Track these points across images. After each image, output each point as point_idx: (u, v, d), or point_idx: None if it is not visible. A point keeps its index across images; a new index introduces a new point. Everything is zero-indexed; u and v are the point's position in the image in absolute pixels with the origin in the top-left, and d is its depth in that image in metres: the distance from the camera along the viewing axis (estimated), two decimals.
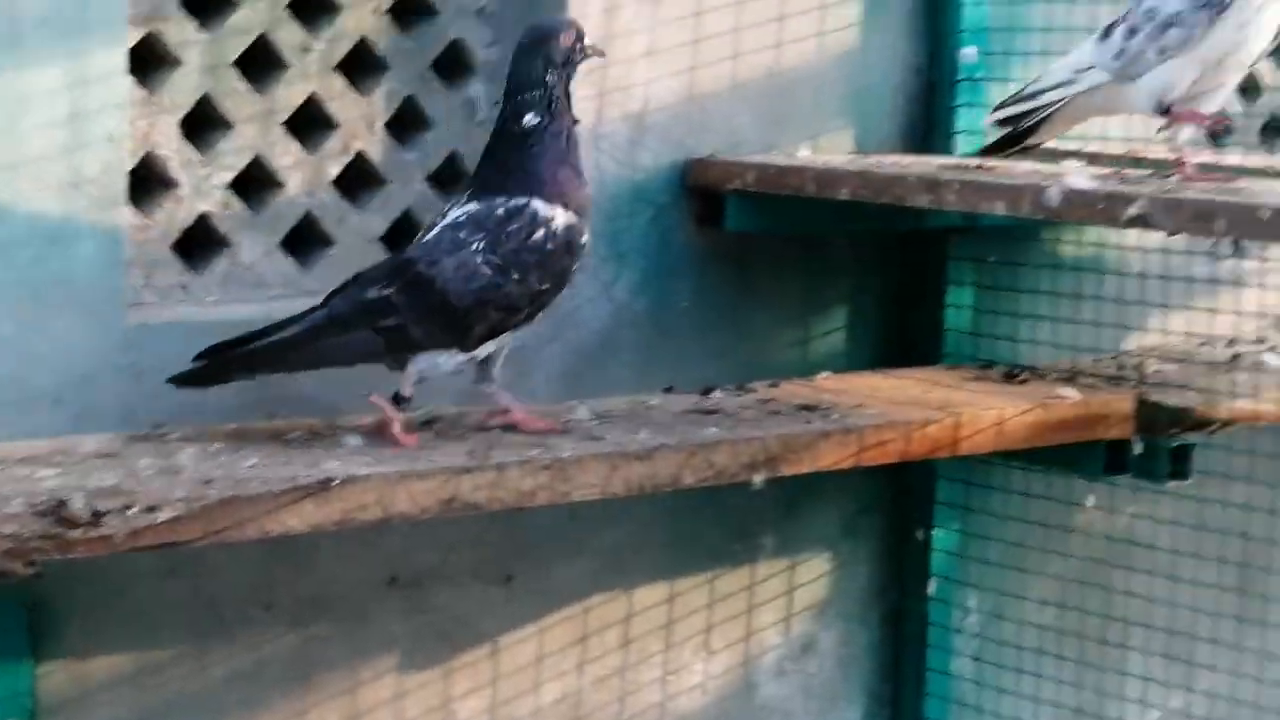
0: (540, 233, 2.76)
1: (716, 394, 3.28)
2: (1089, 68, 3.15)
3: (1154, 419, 3.39)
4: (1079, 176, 3.03)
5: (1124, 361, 3.70)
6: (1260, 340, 3.90)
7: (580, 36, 2.84)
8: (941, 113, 3.82)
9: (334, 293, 2.84)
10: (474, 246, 2.75)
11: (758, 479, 2.96)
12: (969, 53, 3.78)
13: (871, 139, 3.80)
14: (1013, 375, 3.57)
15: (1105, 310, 3.71)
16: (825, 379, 3.50)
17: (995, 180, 3.08)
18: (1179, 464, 3.44)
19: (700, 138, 3.58)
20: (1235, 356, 3.75)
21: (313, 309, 2.81)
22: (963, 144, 3.81)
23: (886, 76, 3.80)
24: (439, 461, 2.68)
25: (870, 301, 3.86)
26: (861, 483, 3.79)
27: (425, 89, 3.42)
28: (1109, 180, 3.03)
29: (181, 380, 2.77)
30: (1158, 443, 3.41)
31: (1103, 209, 2.91)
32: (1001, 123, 3.36)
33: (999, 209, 3.05)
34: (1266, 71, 4.31)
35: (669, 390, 3.31)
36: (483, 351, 2.81)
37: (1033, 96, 3.25)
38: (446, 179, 3.45)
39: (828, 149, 3.75)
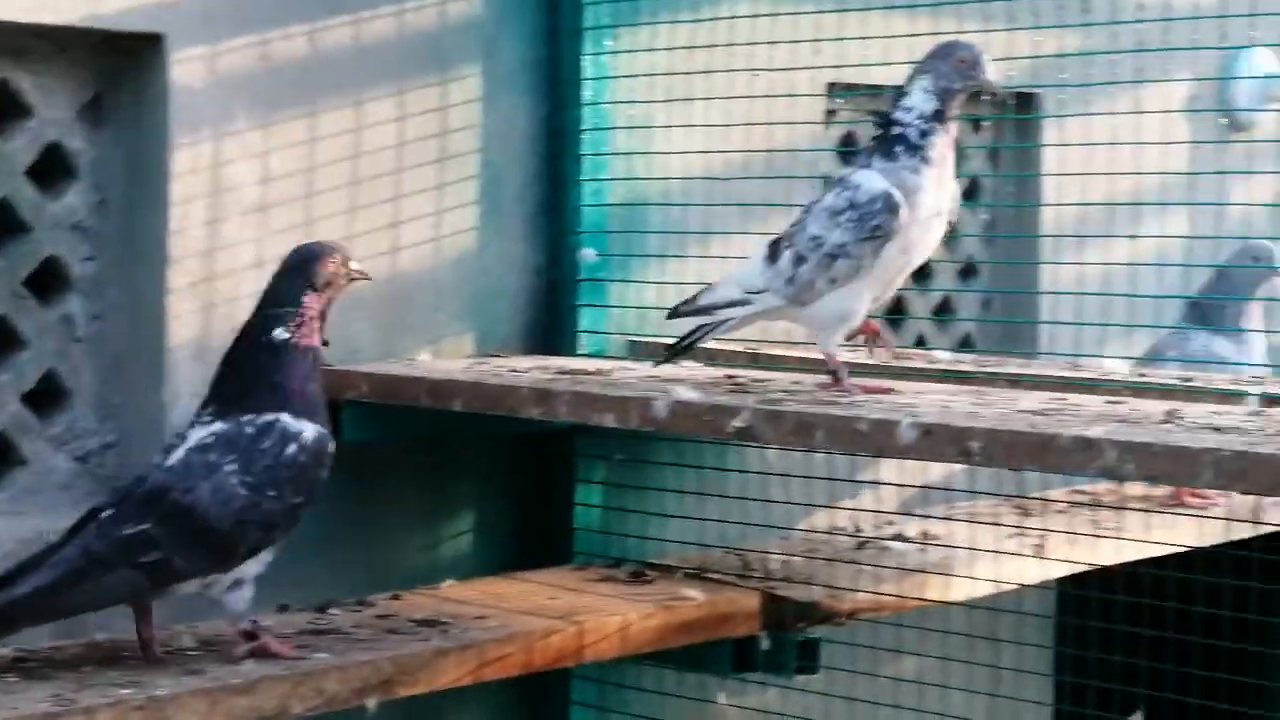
0: (292, 447, 2.76)
1: (334, 611, 3.19)
2: (762, 290, 3.05)
3: (780, 614, 3.41)
4: (686, 388, 3.04)
5: (750, 557, 3.71)
6: (890, 522, 3.95)
7: (345, 261, 2.86)
8: (564, 312, 3.83)
9: (73, 530, 2.71)
10: (227, 468, 2.72)
11: (371, 703, 2.86)
12: (588, 254, 3.81)
13: (494, 340, 3.79)
14: (639, 575, 3.56)
15: (731, 505, 3.73)
16: (450, 587, 3.43)
17: (604, 392, 3.07)
18: (806, 658, 3.45)
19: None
20: (862, 544, 3.80)
21: (51, 549, 2.68)
22: (586, 343, 3.82)
23: (506, 278, 3.80)
24: (20, 709, 2.52)
25: (499, 502, 3.82)
26: (496, 691, 3.71)
27: (18, 307, 3.29)
28: (715, 392, 3.05)
29: None
30: (784, 638, 3.42)
31: (709, 421, 2.92)
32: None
33: (608, 420, 3.04)
34: None
35: (284, 609, 3.20)
36: (243, 572, 2.79)
37: (708, 311, 3.11)
38: (43, 399, 3.32)
39: (449, 352, 3.72)
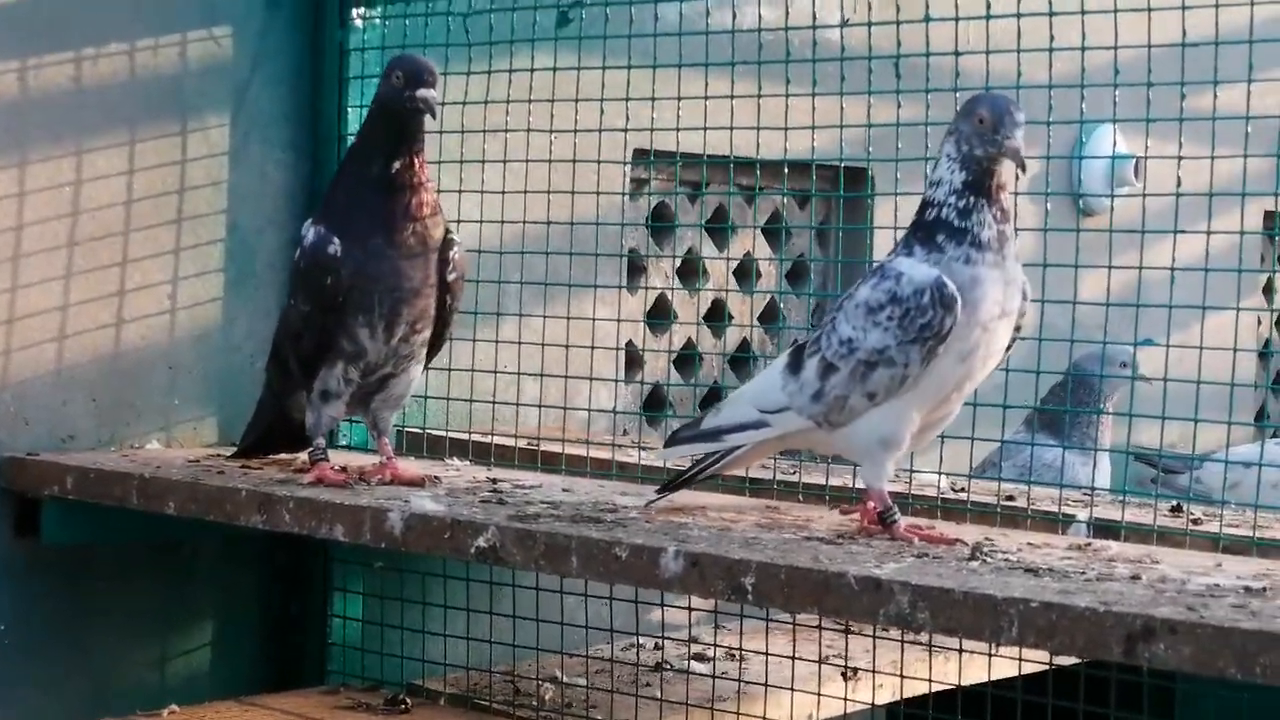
0: (297, 252, 2.82)
1: None
2: (782, 409, 2.45)
3: None
4: (430, 497, 2.59)
5: (524, 684, 3.24)
6: (693, 640, 3.49)
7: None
8: None
9: None
10: None
11: None
12: None
13: (239, 428, 3.29)
14: (397, 702, 3.09)
15: (506, 621, 3.27)
16: (172, 714, 2.95)
17: (334, 499, 2.62)
18: None
19: (18, 432, 3.03)
20: (657, 666, 3.34)
21: None
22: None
23: (258, 357, 3.33)
24: None
25: (243, 613, 3.36)
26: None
27: None
28: (463, 502, 2.60)
29: None
30: None
31: (449, 539, 2.47)
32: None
33: (338, 534, 2.59)
34: None
35: None
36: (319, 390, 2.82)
37: (713, 436, 2.52)
38: None
39: (186, 441, 3.25)
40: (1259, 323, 5.49)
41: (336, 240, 2.72)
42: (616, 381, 3.67)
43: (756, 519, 2.57)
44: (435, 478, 2.81)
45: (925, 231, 2.38)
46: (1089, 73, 2.71)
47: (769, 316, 4.24)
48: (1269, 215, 5.08)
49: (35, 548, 3.01)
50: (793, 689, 3.05)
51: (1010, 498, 2.79)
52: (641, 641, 3.39)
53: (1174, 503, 2.77)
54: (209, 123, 3.26)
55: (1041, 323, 2.74)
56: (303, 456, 3.06)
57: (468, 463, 3.18)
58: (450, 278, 2.79)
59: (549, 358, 3.21)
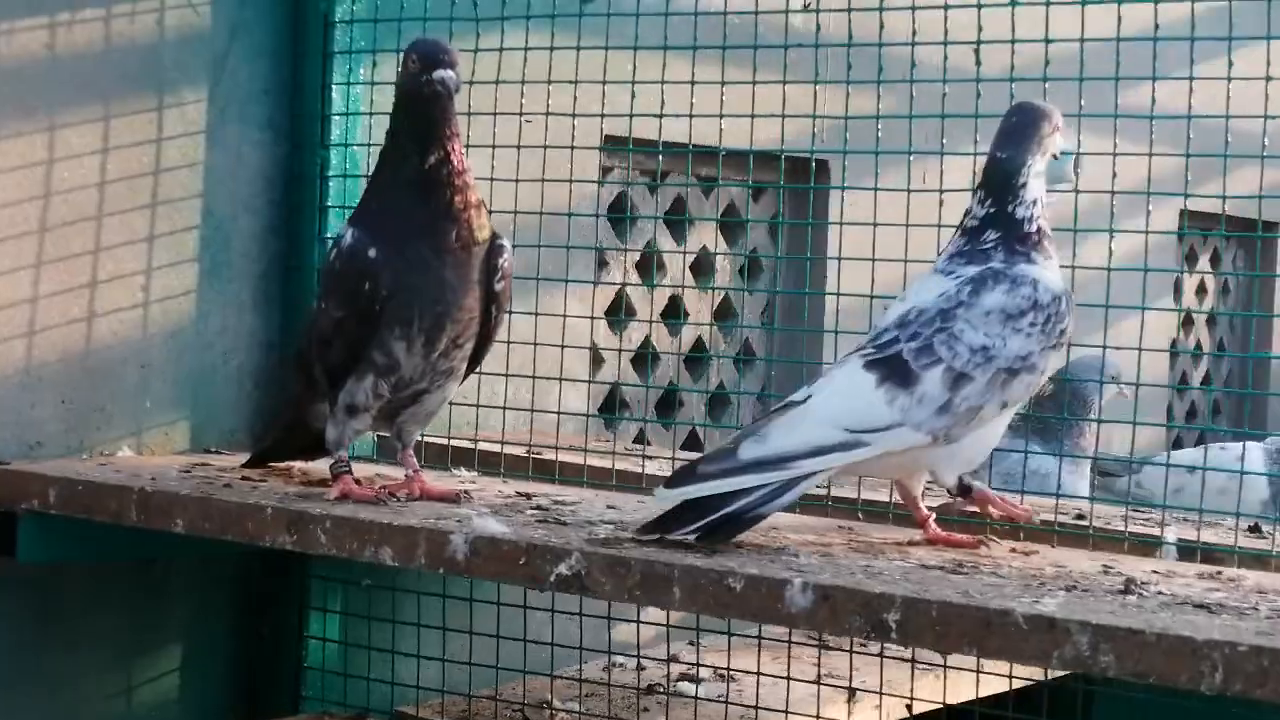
0: (332, 255, 2.55)
1: None
2: (890, 426, 2.25)
3: None
4: (489, 517, 2.36)
5: (519, 703, 3.03)
6: (673, 658, 3.30)
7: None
8: None
9: None
10: None
11: None
12: None
13: (213, 432, 3.05)
14: None
15: (500, 641, 3.04)
16: None
17: (378, 520, 2.37)
18: None
19: None
20: (650, 687, 3.15)
21: None
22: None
23: (232, 356, 3.06)
24: None
25: (214, 635, 3.09)
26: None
27: None
28: (522, 522, 2.37)
29: None
30: None
31: (524, 565, 2.24)
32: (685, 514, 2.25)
33: (385, 557, 2.35)
34: None
35: None
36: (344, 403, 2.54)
37: (779, 463, 2.22)
38: None
39: (157, 447, 2.96)
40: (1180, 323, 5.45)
41: (375, 248, 2.45)
42: (589, 383, 3.47)
43: (844, 542, 2.38)
44: (467, 492, 2.58)
45: (1024, 241, 2.36)
46: (1023, 69, 2.62)
47: (723, 314, 4.05)
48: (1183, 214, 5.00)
49: (5, 565, 2.71)
50: (788, 711, 2.88)
51: (1081, 516, 2.64)
52: (620, 661, 3.19)
53: (1251, 523, 2.65)
54: (185, 98, 2.97)
55: None
56: (304, 465, 2.81)
57: (474, 473, 2.94)
58: (498, 286, 2.53)
59: (523, 357, 2.99)
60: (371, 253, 2.44)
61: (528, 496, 2.65)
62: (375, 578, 3.08)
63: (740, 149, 2.91)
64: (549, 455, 3.01)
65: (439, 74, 2.43)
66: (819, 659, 3.00)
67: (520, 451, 3.03)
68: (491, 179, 2.93)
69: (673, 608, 2.18)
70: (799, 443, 2.25)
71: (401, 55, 2.52)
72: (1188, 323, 5.56)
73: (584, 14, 3.00)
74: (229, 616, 3.10)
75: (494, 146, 2.96)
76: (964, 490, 2.38)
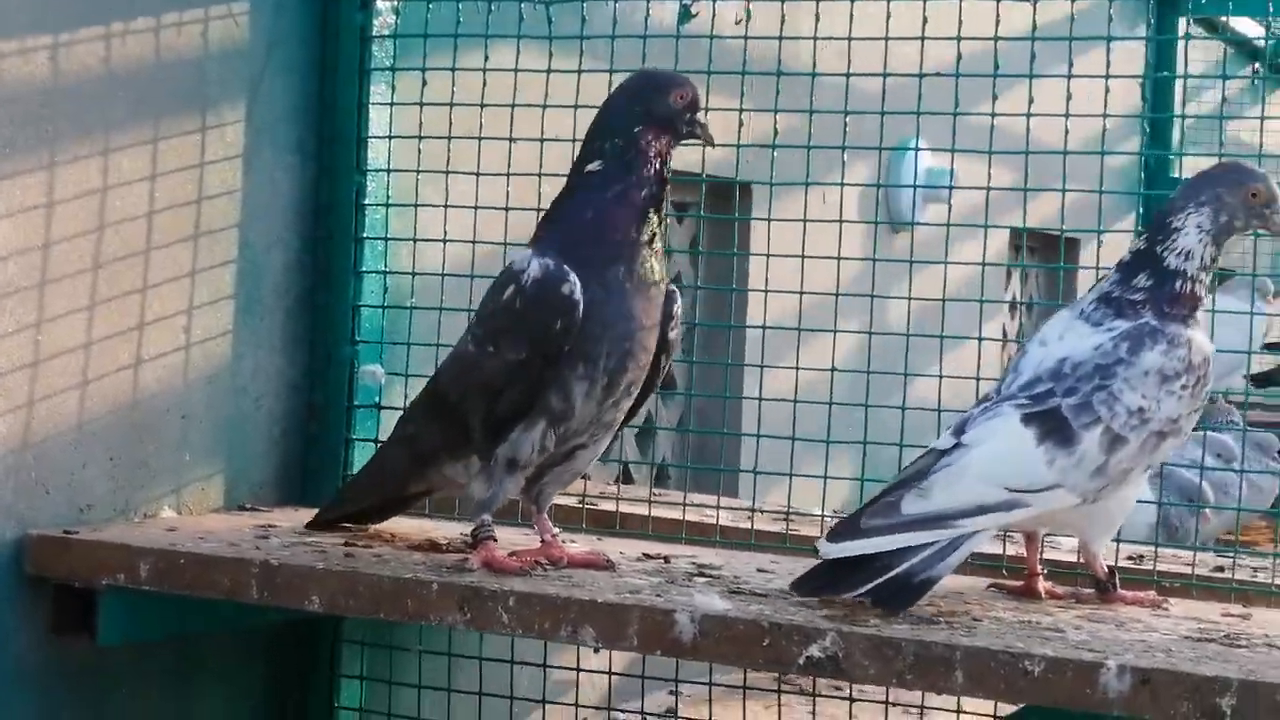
0: (510, 289, 2.24)
1: None
2: (1051, 487, 2.17)
3: None
4: (715, 596, 2.17)
5: None
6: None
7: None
8: (327, 450, 2.83)
9: None
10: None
11: None
12: (374, 372, 2.82)
13: (245, 487, 2.76)
14: None
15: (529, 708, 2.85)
16: None
17: (578, 597, 2.15)
18: None
19: (38, 503, 2.41)
20: None
21: None
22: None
23: (262, 401, 2.78)
24: None
25: (244, 710, 2.79)
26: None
27: None
28: (738, 601, 2.19)
29: None
30: None
31: (768, 647, 2.07)
32: (843, 572, 2.15)
33: (587, 638, 2.14)
34: None
35: None
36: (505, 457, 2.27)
37: (938, 522, 2.13)
38: None
39: (194, 506, 2.67)
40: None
41: (574, 276, 2.23)
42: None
43: (1073, 609, 2.28)
44: (611, 560, 2.38)
45: (1175, 303, 2.27)
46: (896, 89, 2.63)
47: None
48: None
49: (82, 650, 2.39)
50: None
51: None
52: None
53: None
54: (225, 118, 2.68)
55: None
56: (378, 527, 2.55)
57: (570, 534, 2.70)
58: (671, 335, 2.32)
59: None
60: (568, 287, 2.20)
61: (666, 560, 2.47)
62: (401, 637, 2.84)
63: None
64: (606, 506, 2.83)
65: (704, 118, 2.30)
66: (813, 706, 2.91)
67: (571, 501, 2.84)
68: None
69: (952, 692, 2.05)
70: (963, 501, 2.16)
71: (645, 81, 2.30)
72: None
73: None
74: (262, 690, 2.82)
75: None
76: (1106, 585, 2.33)
